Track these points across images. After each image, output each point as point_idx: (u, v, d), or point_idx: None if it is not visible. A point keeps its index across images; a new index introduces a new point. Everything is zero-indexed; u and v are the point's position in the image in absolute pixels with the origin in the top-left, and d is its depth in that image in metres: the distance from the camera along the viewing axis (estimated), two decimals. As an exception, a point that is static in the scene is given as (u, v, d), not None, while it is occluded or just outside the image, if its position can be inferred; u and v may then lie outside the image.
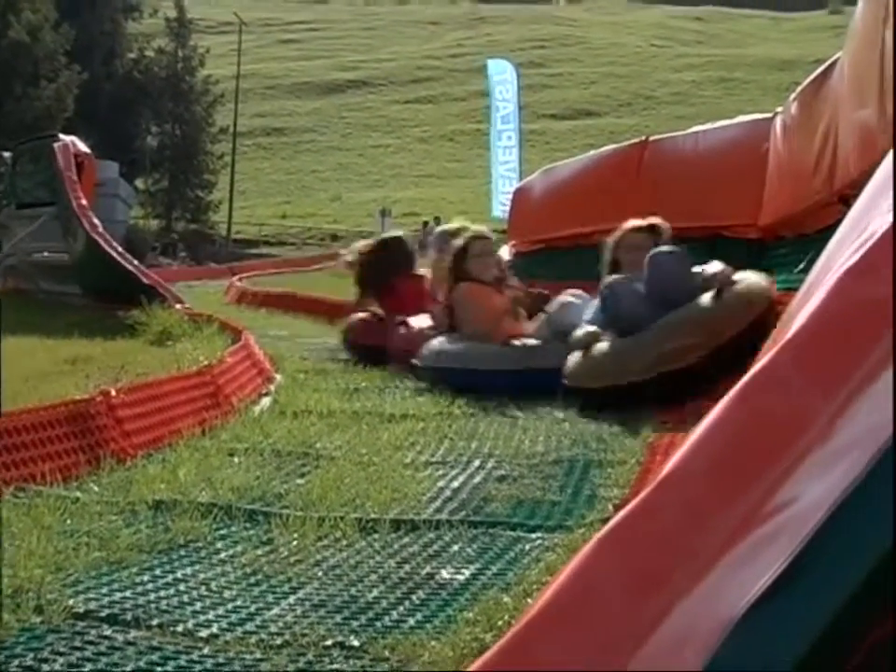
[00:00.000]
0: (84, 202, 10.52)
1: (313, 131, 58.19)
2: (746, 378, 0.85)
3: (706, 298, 4.48)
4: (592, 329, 4.70)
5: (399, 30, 75.22)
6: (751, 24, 74.84)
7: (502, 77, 33.27)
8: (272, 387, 5.31)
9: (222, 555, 2.57)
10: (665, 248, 4.75)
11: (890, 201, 0.89)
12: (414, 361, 5.59)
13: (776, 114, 6.34)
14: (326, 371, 6.03)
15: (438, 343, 5.61)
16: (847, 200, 4.27)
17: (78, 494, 3.06)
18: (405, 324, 6.34)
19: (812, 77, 5.49)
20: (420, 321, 6.28)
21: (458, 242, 5.81)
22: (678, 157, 7.70)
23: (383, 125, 58.04)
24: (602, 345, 4.58)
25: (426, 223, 33.17)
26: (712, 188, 6.88)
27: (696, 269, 4.73)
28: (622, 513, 0.82)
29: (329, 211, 45.94)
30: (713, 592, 0.75)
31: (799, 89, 5.73)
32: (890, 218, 0.86)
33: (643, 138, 8.53)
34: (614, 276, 4.87)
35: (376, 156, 54.00)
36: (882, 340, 0.78)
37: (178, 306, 8.64)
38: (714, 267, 4.66)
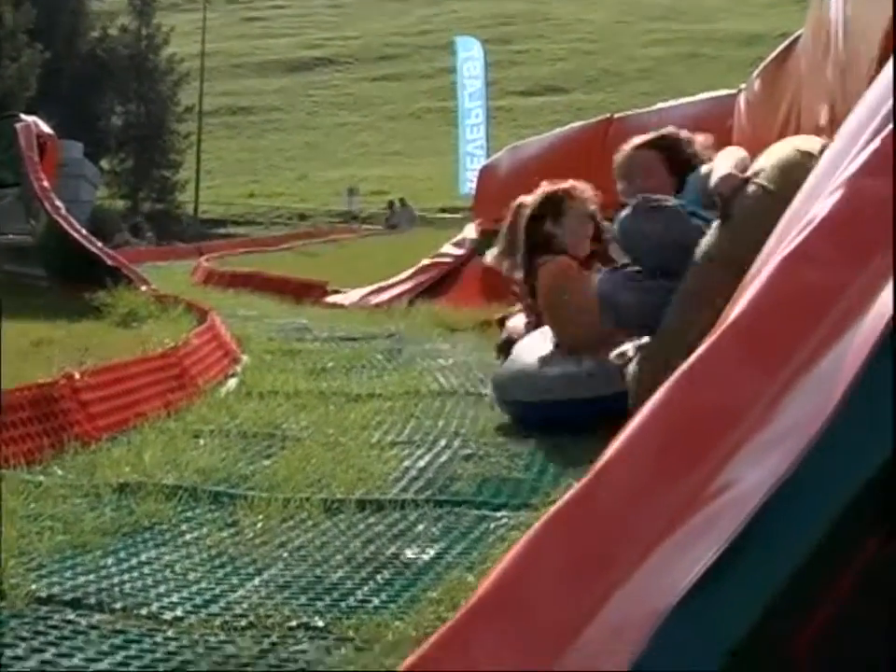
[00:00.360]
0: (46, 183, 10.42)
1: (279, 109, 57.77)
2: (687, 363, 0.86)
3: (711, 232, 3.09)
4: (620, 349, 3.43)
5: (366, 6, 74.74)
6: (718, -1, 74.89)
7: (469, 53, 33.15)
8: (238, 368, 5.30)
9: (187, 538, 2.57)
10: (623, 212, 3.38)
11: (833, 184, 0.90)
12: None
13: (740, 90, 6.35)
14: (293, 352, 6.02)
15: (520, 364, 3.95)
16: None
17: (42, 478, 3.05)
18: (501, 323, 5.15)
19: (775, 52, 5.50)
20: (517, 320, 4.77)
21: (532, 199, 4.21)
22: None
23: (350, 103, 57.70)
24: (631, 365, 3.34)
25: (391, 203, 33.04)
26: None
27: (702, 170, 3.45)
28: (563, 500, 0.83)
29: (297, 190, 45.66)
30: (654, 575, 0.76)
31: (762, 65, 5.74)
32: (831, 201, 0.87)
33: (608, 115, 8.53)
34: (601, 275, 3.52)
35: (343, 134, 53.69)
36: (820, 324, 0.79)
37: (144, 287, 8.58)
38: (713, 172, 3.20)
